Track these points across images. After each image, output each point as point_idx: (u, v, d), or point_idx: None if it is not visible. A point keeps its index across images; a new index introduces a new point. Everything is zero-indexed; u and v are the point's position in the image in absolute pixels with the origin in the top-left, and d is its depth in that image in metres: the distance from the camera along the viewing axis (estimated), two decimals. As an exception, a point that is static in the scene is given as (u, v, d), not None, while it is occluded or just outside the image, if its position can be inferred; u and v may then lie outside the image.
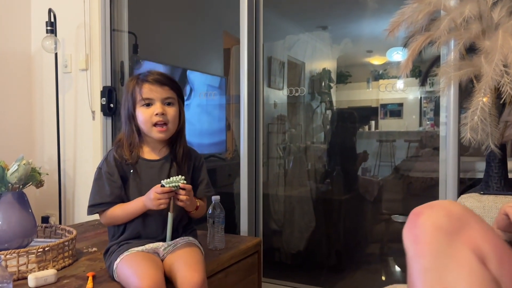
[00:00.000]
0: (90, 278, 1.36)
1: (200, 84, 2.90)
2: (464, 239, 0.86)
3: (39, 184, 1.58)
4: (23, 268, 1.39)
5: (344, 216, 2.59)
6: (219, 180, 2.81)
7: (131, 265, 1.28)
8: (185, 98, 1.57)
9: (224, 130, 2.91)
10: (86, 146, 2.80)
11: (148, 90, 1.40)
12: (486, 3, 1.42)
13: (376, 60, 2.42)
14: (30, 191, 1.60)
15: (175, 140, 1.50)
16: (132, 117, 1.43)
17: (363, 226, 2.55)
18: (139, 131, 1.45)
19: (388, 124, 2.48)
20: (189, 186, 1.36)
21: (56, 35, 2.64)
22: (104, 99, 2.71)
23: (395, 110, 2.44)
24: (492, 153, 1.45)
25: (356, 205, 2.54)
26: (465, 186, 2.02)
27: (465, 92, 1.79)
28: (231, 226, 2.46)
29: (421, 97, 2.30)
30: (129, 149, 1.44)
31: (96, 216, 1.48)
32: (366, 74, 2.41)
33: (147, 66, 2.86)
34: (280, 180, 2.70)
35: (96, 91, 2.73)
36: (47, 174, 1.69)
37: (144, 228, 1.42)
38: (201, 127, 2.88)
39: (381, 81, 2.33)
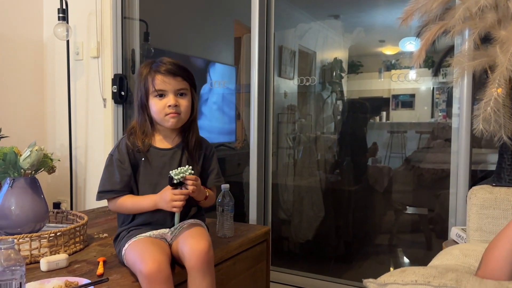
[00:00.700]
0: (101, 263, 1.38)
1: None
2: None
3: (51, 170, 1.60)
4: (35, 252, 1.42)
5: (353, 206, 2.58)
6: (229, 169, 2.82)
7: (137, 250, 1.30)
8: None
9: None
10: (97, 134, 2.82)
11: (161, 82, 1.40)
12: (502, -9, 1.39)
13: (388, 50, 2.39)
14: (42, 177, 1.62)
15: (188, 129, 1.50)
16: (144, 106, 1.44)
17: (372, 217, 2.54)
18: (151, 120, 1.46)
19: (399, 115, 2.45)
20: (194, 177, 1.36)
21: (68, 23, 2.65)
22: (115, 87, 2.72)
23: (407, 101, 2.41)
24: (505, 144, 1.43)
25: (366, 196, 2.54)
26: (477, 178, 2.00)
27: (479, 83, 1.76)
28: (240, 215, 2.47)
29: (433, 88, 2.27)
30: (142, 137, 1.44)
31: (106, 203, 1.49)
32: (378, 64, 2.39)
33: (157, 54, 2.86)
34: (290, 170, 2.70)
35: (107, 79, 2.74)
36: (59, 160, 1.71)
37: (153, 217, 1.43)
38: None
39: (393, 71, 2.30)
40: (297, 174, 2.69)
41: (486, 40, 1.43)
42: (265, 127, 2.45)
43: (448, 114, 2.20)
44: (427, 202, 2.34)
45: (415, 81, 2.23)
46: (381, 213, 2.51)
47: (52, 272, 1.32)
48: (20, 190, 1.47)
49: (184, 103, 1.43)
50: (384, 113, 2.49)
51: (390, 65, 2.33)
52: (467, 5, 1.42)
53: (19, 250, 1.38)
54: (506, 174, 1.50)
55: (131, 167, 1.43)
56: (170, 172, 1.32)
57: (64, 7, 2.63)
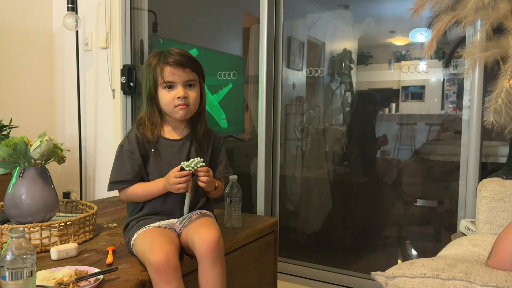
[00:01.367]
0: (110, 253, 1.39)
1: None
2: None
3: (61, 160, 1.61)
4: (45, 241, 1.43)
5: (361, 199, 2.57)
6: (237, 160, 2.82)
7: (146, 240, 1.31)
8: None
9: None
10: (106, 124, 2.83)
11: (170, 73, 1.40)
12: (516, -19, 1.36)
13: (398, 41, 2.36)
14: (52, 168, 1.63)
15: (196, 120, 1.50)
16: (153, 98, 1.44)
17: (381, 209, 2.53)
18: (160, 111, 1.46)
19: (409, 107, 2.43)
20: (206, 168, 1.36)
21: (77, 13, 2.65)
22: (124, 77, 2.73)
23: (417, 93, 2.39)
24: (516, 137, 1.41)
25: (374, 188, 2.53)
26: (487, 170, 1.98)
27: (490, 75, 1.74)
28: (248, 206, 2.48)
29: (443, 80, 2.25)
30: (151, 128, 1.45)
31: (116, 193, 1.50)
32: (388, 55, 2.36)
33: (166, 45, 2.86)
34: (298, 162, 2.70)
35: (116, 69, 2.75)
36: (69, 150, 1.72)
37: (162, 206, 1.44)
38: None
39: (403, 62, 2.27)
40: (305, 166, 2.69)
41: (498, 30, 1.40)
42: (273, 118, 2.45)
43: (459, 106, 2.18)
44: (436, 194, 2.32)
45: (426, 72, 2.21)
46: (389, 206, 2.51)
47: (62, 261, 1.34)
48: (31, 180, 1.49)
49: (193, 94, 1.43)
50: (393, 105, 2.47)
51: (400, 56, 2.31)
52: (480, -5, 1.39)
53: (30, 239, 1.40)
54: (517, 166, 1.48)
55: (141, 158, 1.44)
56: (182, 163, 1.33)
57: (73, -3, 2.63)
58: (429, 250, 2.34)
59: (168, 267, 1.18)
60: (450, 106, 2.29)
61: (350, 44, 2.50)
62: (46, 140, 1.50)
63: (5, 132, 2.34)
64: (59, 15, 2.80)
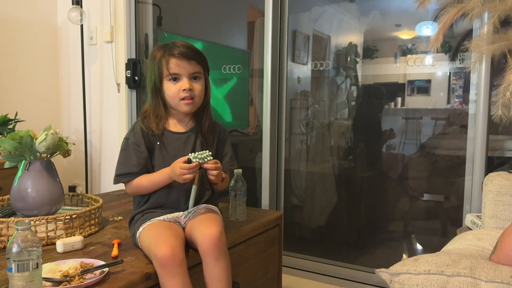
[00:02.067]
0: (116, 245, 1.40)
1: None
2: None
3: (66, 153, 1.62)
4: (51, 234, 1.44)
5: (366, 193, 2.57)
6: (241, 154, 2.82)
7: (151, 234, 1.32)
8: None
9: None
10: (112, 118, 2.84)
11: (175, 65, 1.39)
12: (524, -27, 1.34)
13: (404, 35, 2.35)
14: (57, 161, 1.64)
15: (201, 113, 1.50)
16: (158, 90, 1.44)
17: (386, 204, 2.53)
18: (165, 104, 1.46)
19: (415, 101, 2.42)
20: (214, 161, 1.36)
21: (81, 7, 2.65)
22: (129, 71, 2.73)
23: (423, 87, 2.37)
24: (524, 131, 1.40)
25: (379, 182, 2.52)
26: (493, 165, 1.97)
27: (497, 68, 1.73)
28: (253, 200, 2.48)
29: (450, 73, 2.23)
30: (156, 121, 1.45)
31: (121, 186, 1.51)
32: (393, 49, 2.34)
33: (170, 38, 2.85)
34: (302, 156, 2.69)
35: (121, 63, 2.75)
36: (74, 144, 1.73)
37: (168, 198, 1.45)
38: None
39: (409, 56, 2.26)
40: (310, 160, 2.68)
41: (506, 23, 1.39)
42: (278, 112, 2.44)
43: (465, 100, 2.16)
44: (442, 189, 2.31)
45: (432, 66, 2.19)
46: (394, 200, 2.50)
47: (68, 254, 1.35)
48: (36, 173, 1.49)
49: (198, 87, 1.43)
50: (399, 99, 2.46)
51: (406, 49, 2.29)
52: (487, -13, 1.38)
53: (36, 232, 1.41)
54: (524, 161, 1.47)
55: (147, 150, 1.44)
56: (190, 154, 1.33)
57: (77, -9, 2.63)
58: (435, 244, 2.33)
59: (174, 261, 1.19)
60: (456, 100, 2.27)
61: (355, 38, 2.49)
62: (51, 133, 1.50)
63: (10, 126, 2.35)
64: (64, 9, 2.80)
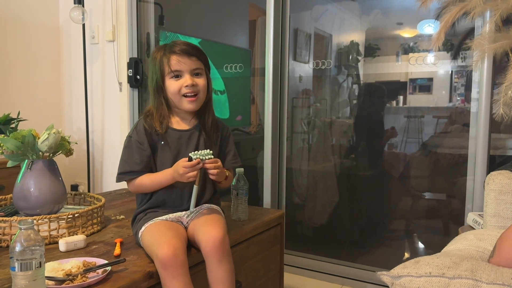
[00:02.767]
0: (118, 244, 1.40)
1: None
2: None
3: (69, 152, 1.62)
4: (54, 233, 1.45)
5: (368, 192, 2.57)
6: (243, 153, 2.82)
7: (154, 233, 1.32)
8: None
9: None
10: (114, 117, 2.84)
11: (177, 62, 1.40)
12: (527, -29, 1.34)
13: (406, 33, 2.34)
14: (60, 160, 1.64)
15: (204, 110, 1.50)
16: (160, 89, 1.44)
17: (387, 203, 2.53)
18: (168, 103, 1.46)
19: (416, 99, 2.41)
20: (213, 160, 1.36)
21: (83, 6, 2.65)
22: (131, 70, 2.73)
23: (425, 85, 2.37)
24: (525, 129, 1.40)
25: (381, 181, 2.52)
26: (495, 163, 1.97)
27: (499, 67, 1.72)
28: (254, 198, 2.48)
29: (452, 72, 2.23)
30: (159, 120, 1.45)
31: (123, 185, 1.51)
32: (395, 48, 2.34)
33: (172, 38, 2.85)
34: (304, 155, 2.69)
35: (123, 62, 2.76)
36: (76, 143, 1.73)
37: (170, 197, 1.45)
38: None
39: (411, 54, 2.25)
40: (312, 159, 2.68)
41: (508, 22, 1.39)
42: (279, 111, 2.44)
43: (467, 98, 2.16)
44: (444, 187, 2.31)
45: (434, 64, 2.19)
46: (396, 199, 2.50)
47: (71, 253, 1.35)
48: (39, 172, 1.50)
49: (201, 82, 1.43)
50: (401, 97, 2.45)
51: (408, 48, 2.29)
52: (489, -14, 1.38)
53: (39, 231, 1.41)
54: (526, 159, 1.47)
55: (150, 148, 1.44)
56: (190, 154, 1.33)
57: (79, -10, 2.63)
58: (437, 243, 2.33)
59: (175, 262, 1.19)
60: (458, 98, 2.27)
61: (357, 36, 2.49)
62: (53, 132, 1.50)
63: (13, 125, 2.36)
64: (66, 8, 2.81)
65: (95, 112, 2.90)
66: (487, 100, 1.84)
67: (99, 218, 1.61)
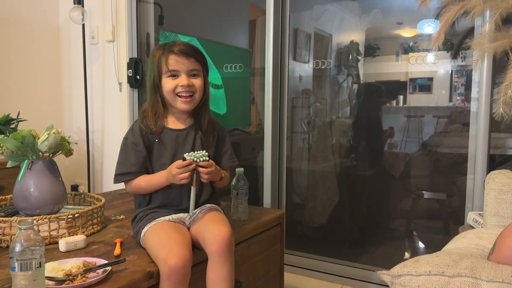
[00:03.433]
0: (118, 244, 1.40)
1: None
2: None
3: (68, 152, 1.62)
4: (54, 233, 1.45)
5: (368, 191, 2.57)
6: (243, 153, 2.82)
7: (160, 235, 1.31)
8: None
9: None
10: (114, 117, 2.84)
11: (174, 62, 1.41)
12: (526, -30, 1.34)
13: (406, 33, 2.34)
14: (60, 161, 1.64)
15: (200, 110, 1.50)
16: (157, 87, 1.44)
17: (387, 202, 2.53)
18: (164, 101, 1.46)
19: (416, 99, 2.41)
20: (207, 164, 1.36)
21: (83, 6, 2.65)
22: (131, 70, 2.73)
23: (425, 85, 2.37)
24: (525, 129, 1.40)
25: (381, 181, 2.52)
26: (495, 163, 1.97)
27: (499, 66, 1.72)
28: (255, 198, 2.48)
29: (452, 71, 2.23)
30: (154, 118, 1.46)
31: (123, 185, 1.51)
32: (395, 47, 2.34)
33: (172, 38, 2.85)
34: (304, 155, 2.69)
35: (123, 62, 2.76)
36: (76, 143, 1.73)
37: (168, 198, 1.45)
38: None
39: (411, 54, 2.26)
40: (312, 159, 2.68)
41: (507, 21, 1.39)
42: (279, 111, 2.44)
43: (467, 98, 2.16)
44: (444, 187, 2.31)
45: (434, 64, 2.19)
46: (396, 198, 2.50)
47: (71, 253, 1.35)
48: (39, 173, 1.50)
49: (197, 82, 1.44)
50: (401, 97, 2.45)
51: (408, 47, 2.29)
52: (489, -15, 1.38)
53: (39, 231, 1.41)
54: (526, 159, 1.47)
55: (145, 149, 1.44)
56: (184, 155, 1.33)
57: (79, -10, 2.63)
58: (437, 243, 2.33)
59: (182, 274, 1.18)
60: (458, 98, 2.27)
61: (357, 36, 2.49)
62: (53, 133, 1.50)
63: (13, 126, 2.36)
64: (66, 9, 2.81)
65: (95, 112, 2.90)
66: (487, 99, 1.84)
67: (99, 218, 1.61)
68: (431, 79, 2.36)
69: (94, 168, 2.94)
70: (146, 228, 1.37)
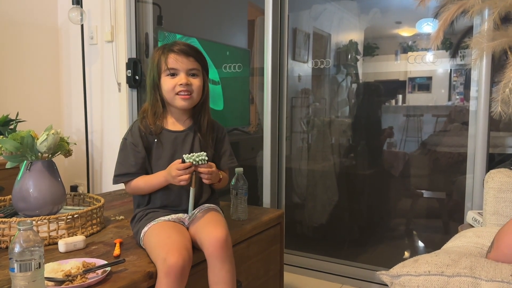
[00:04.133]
0: (118, 245, 1.40)
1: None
2: None
3: (68, 153, 1.62)
4: (53, 234, 1.44)
5: (367, 191, 2.57)
6: (243, 153, 2.82)
7: (160, 234, 1.31)
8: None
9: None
10: (113, 118, 2.84)
11: (174, 60, 1.41)
12: (524, -31, 1.34)
13: (405, 32, 2.34)
14: (59, 161, 1.64)
15: (199, 111, 1.50)
16: (156, 86, 1.45)
17: (387, 202, 2.53)
18: (163, 100, 1.46)
19: (416, 98, 2.41)
20: (208, 165, 1.36)
21: (82, 7, 2.65)
22: (130, 71, 2.73)
23: (424, 84, 2.37)
24: (524, 127, 1.40)
25: (380, 180, 2.52)
26: (494, 161, 1.97)
27: (498, 65, 1.72)
28: (254, 198, 2.48)
29: (451, 70, 2.23)
30: (154, 118, 1.46)
31: (123, 185, 1.51)
32: (394, 46, 2.34)
33: (171, 38, 2.85)
34: (303, 154, 2.69)
35: (122, 63, 2.75)
36: (75, 144, 1.73)
37: (168, 199, 1.45)
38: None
39: (409, 53, 2.26)
40: (311, 158, 2.68)
41: (506, 20, 1.38)
42: (278, 111, 2.44)
43: (466, 97, 2.16)
44: (444, 186, 2.31)
45: (432, 63, 2.19)
46: (396, 198, 2.50)
47: (70, 253, 1.35)
48: (38, 173, 1.50)
49: (196, 82, 1.44)
50: (400, 96, 2.45)
51: (407, 47, 2.29)
52: (487, -16, 1.38)
53: (38, 231, 1.41)
54: (525, 157, 1.47)
55: (144, 150, 1.44)
56: (183, 156, 1.32)
57: (78, -9, 2.63)
58: (437, 242, 2.33)
59: (181, 274, 1.18)
60: (457, 97, 2.27)
61: (356, 35, 2.49)
62: (52, 133, 1.50)
63: (12, 126, 2.36)
64: (64, 9, 2.80)
65: (94, 113, 2.90)
66: (486, 98, 1.84)
67: (98, 219, 1.61)
68: (430, 78, 2.36)
69: (93, 169, 2.94)
70: (145, 228, 1.36)
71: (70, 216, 1.48)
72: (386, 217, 2.51)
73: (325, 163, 2.65)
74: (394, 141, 2.43)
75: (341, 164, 2.62)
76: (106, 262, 1.21)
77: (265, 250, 1.78)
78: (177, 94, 1.42)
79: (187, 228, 1.41)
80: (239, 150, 2.80)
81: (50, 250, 1.38)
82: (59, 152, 1.59)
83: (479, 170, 1.89)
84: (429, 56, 2.18)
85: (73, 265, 1.17)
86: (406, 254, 2.41)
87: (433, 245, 2.28)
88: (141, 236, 1.37)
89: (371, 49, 2.42)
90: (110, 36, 2.76)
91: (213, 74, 2.75)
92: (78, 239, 1.40)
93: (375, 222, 2.55)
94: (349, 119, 2.59)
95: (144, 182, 1.43)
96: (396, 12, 2.40)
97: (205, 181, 1.38)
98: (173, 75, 1.42)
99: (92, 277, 1.13)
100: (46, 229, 1.43)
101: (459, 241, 1.27)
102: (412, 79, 2.38)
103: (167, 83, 1.42)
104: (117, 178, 1.45)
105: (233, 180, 1.73)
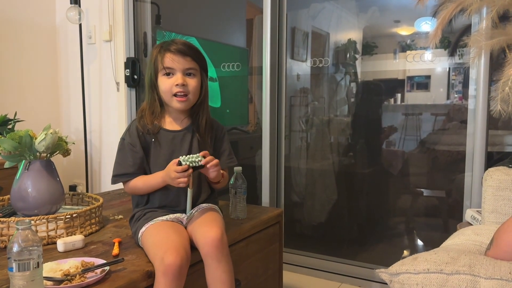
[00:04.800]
0: (116, 244, 1.40)
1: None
2: None
3: (66, 152, 1.62)
4: (52, 233, 1.44)
5: (366, 189, 2.57)
6: (241, 152, 2.82)
7: (158, 234, 1.31)
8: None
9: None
10: (111, 117, 2.84)
11: (170, 60, 1.40)
12: (522, -33, 1.34)
13: (403, 31, 2.34)
14: (58, 161, 1.64)
15: (197, 111, 1.50)
16: (154, 86, 1.44)
17: (386, 200, 2.53)
18: (161, 100, 1.46)
19: (414, 97, 2.42)
20: (216, 162, 1.36)
21: (80, 6, 2.65)
22: (128, 70, 2.73)
23: (422, 83, 2.37)
24: (523, 126, 1.40)
25: (379, 178, 2.52)
26: (493, 160, 1.97)
27: (496, 63, 1.73)
28: (253, 197, 2.48)
29: (449, 69, 2.23)
30: (151, 118, 1.45)
31: (121, 185, 1.51)
32: (393, 45, 2.34)
33: (169, 37, 2.85)
34: (302, 153, 2.69)
35: (120, 62, 2.75)
36: (74, 143, 1.73)
37: (166, 199, 1.45)
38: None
39: (408, 52, 2.26)
40: (310, 157, 2.68)
41: (504, 18, 1.38)
42: (277, 110, 2.44)
43: (464, 95, 2.16)
44: (442, 184, 2.32)
45: (431, 61, 2.19)
46: (395, 196, 2.50)
47: (69, 253, 1.35)
48: (36, 173, 1.49)
49: (192, 83, 1.42)
50: (398, 95, 2.45)
51: (406, 45, 2.29)
52: (486, -18, 1.38)
53: (37, 231, 1.41)
54: (523, 155, 1.47)
55: (142, 150, 1.44)
56: (180, 157, 1.32)
57: (76, -10, 2.63)
58: (436, 240, 2.33)
59: (178, 273, 1.18)
60: (455, 95, 2.27)
61: (354, 34, 2.49)
62: (51, 133, 1.50)
63: (10, 126, 2.35)
64: (62, 9, 2.80)
65: (93, 112, 2.90)
66: (485, 96, 1.84)
67: (97, 218, 1.60)
68: (428, 77, 2.36)
69: (92, 168, 2.93)
70: (144, 228, 1.36)
71: (69, 216, 1.47)
72: (385, 216, 2.51)
73: (324, 162, 2.66)
74: (393, 139, 2.43)
75: (340, 163, 2.62)
76: (105, 261, 1.21)
77: (264, 249, 1.78)
78: (174, 95, 1.41)
79: (185, 228, 1.41)
80: (238, 149, 2.80)
81: (49, 249, 1.38)
82: (58, 151, 1.58)
83: (477, 168, 1.90)
84: (428, 54, 2.18)
85: (71, 264, 1.17)
86: (405, 252, 2.41)
87: (432, 243, 2.28)
88: (139, 236, 1.37)
89: (369, 48, 2.42)
90: (109, 35, 2.75)
91: (211, 71, 2.75)
92: (77, 239, 1.40)
93: (374, 220, 2.55)
94: (348, 118, 2.59)
95: (142, 183, 1.43)
96: (394, 10, 2.40)
97: (212, 173, 1.37)
98: (169, 74, 1.41)
99: (91, 277, 1.12)
100: (44, 229, 1.43)
101: (458, 239, 1.27)
102: (410, 78, 2.39)
103: (164, 84, 1.41)
104: (115, 179, 1.45)
105: (232, 179, 1.73)
